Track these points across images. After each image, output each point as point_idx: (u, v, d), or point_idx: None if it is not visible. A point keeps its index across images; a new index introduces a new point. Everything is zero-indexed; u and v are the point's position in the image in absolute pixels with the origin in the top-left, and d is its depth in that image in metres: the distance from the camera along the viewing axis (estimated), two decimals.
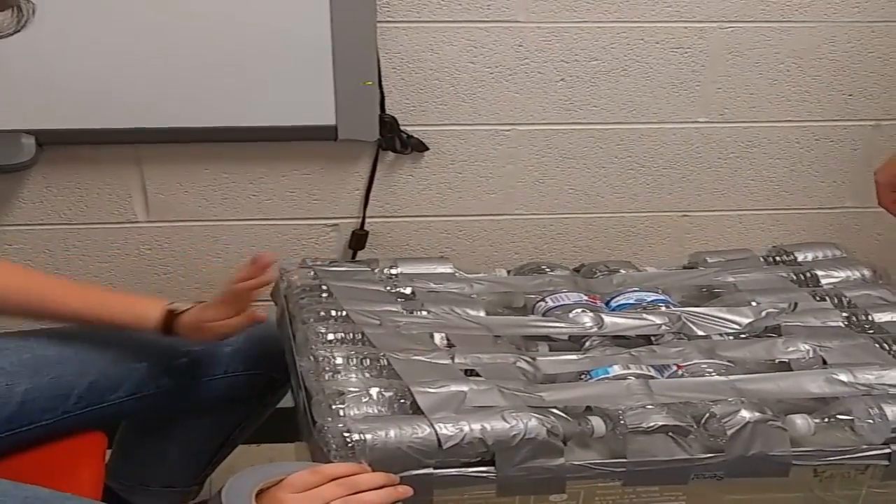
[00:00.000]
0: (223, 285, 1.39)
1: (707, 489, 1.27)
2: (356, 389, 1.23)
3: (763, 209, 2.09)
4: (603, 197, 2.04)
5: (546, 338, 1.47)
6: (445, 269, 1.63)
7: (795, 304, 1.53)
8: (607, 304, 1.56)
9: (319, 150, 1.90)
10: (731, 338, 1.47)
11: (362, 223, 1.99)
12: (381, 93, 1.84)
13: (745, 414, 1.24)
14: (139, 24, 1.69)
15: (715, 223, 2.10)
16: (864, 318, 1.49)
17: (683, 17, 1.87)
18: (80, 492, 1.27)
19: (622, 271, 1.67)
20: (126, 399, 1.45)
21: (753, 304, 1.54)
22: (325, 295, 1.51)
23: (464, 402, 1.22)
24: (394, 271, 1.61)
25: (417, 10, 1.80)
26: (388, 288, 1.54)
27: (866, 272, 1.64)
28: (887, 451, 1.26)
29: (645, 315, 1.49)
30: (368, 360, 1.31)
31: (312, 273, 1.57)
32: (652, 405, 1.25)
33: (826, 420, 1.27)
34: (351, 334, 1.38)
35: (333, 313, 1.44)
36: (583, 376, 1.35)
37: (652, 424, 1.22)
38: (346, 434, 1.14)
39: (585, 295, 1.55)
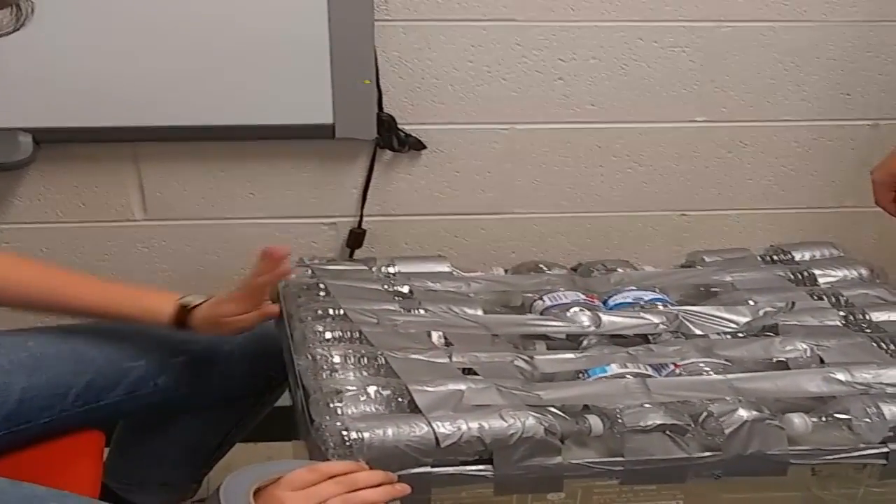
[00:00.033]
0: (239, 280, 1.41)
1: (705, 488, 1.27)
2: (354, 388, 1.23)
3: (761, 208, 2.10)
4: (600, 196, 2.04)
5: (544, 336, 1.47)
6: (443, 267, 1.62)
7: (793, 304, 1.53)
8: (605, 302, 1.56)
9: (317, 148, 1.90)
10: (728, 337, 1.47)
11: (360, 222, 1.99)
12: (379, 91, 1.84)
13: (743, 413, 1.23)
14: (137, 23, 1.69)
15: (712, 222, 2.10)
16: (861, 317, 1.49)
17: (681, 17, 1.87)
18: (77, 490, 1.27)
19: (620, 270, 1.67)
20: (124, 398, 1.45)
21: (751, 303, 1.54)
22: (322, 293, 1.50)
23: (461, 400, 1.22)
24: (391, 270, 1.61)
25: (415, 9, 1.80)
26: (386, 286, 1.54)
27: (864, 271, 1.64)
28: (885, 450, 1.26)
29: (642, 314, 1.49)
30: (366, 359, 1.31)
31: (310, 272, 1.57)
32: (649, 404, 1.25)
33: (824, 419, 1.27)
34: (349, 333, 1.38)
35: (331, 312, 1.44)
36: (580, 375, 1.35)
37: (649, 423, 1.22)
38: (344, 432, 1.14)
39: (583, 294, 1.55)
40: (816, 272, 1.64)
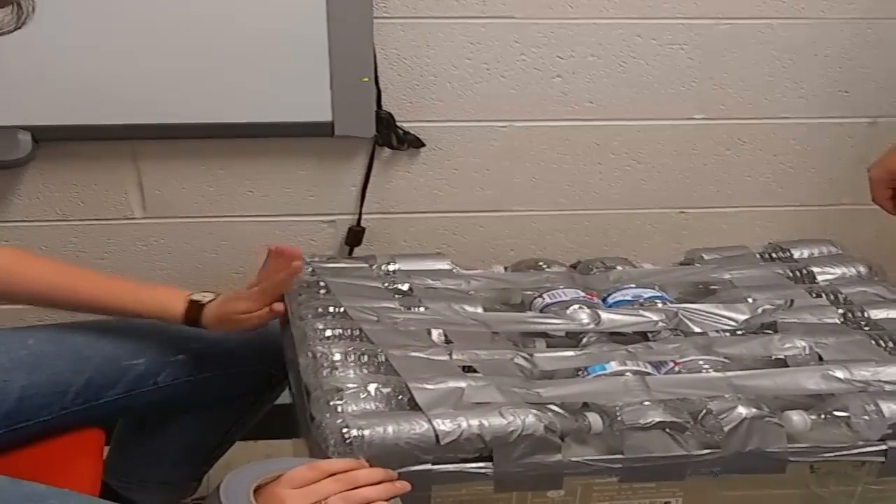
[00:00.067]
0: (248, 279, 1.43)
1: (704, 485, 1.27)
2: (354, 386, 1.23)
3: (759, 206, 2.10)
4: (598, 193, 2.04)
5: (543, 334, 1.47)
6: (443, 265, 1.63)
7: (792, 301, 1.53)
8: (604, 300, 1.56)
9: (316, 146, 1.90)
10: (727, 334, 1.47)
11: (359, 219, 1.99)
12: (378, 89, 1.84)
13: (742, 410, 1.23)
14: (135, 21, 1.69)
15: (711, 220, 2.10)
16: (860, 314, 1.50)
17: (680, 14, 1.87)
18: (77, 488, 1.27)
19: (619, 268, 1.67)
20: (124, 396, 1.46)
21: (750, 300, 1.54)
22: (322, 291, 1.50)
23: (461, 398, 1.22)
24: (391, 268, 1.61)
25: (413, 7, 1.80)
26: (386, 284, 1.54)
27: (862, 269, 1.64)
28: (883, 447, 1.26)
29: (642, 311, 1.49)
30: (366, 357, 1.31)
31: (310, 269, 1.57)
32: (649, 401, 1.25)
33: (822, 416, 1.27)
34: (349, 331, 1.38)
35: (331, 310, 1.44)
36: (580, 372, 1.35)
37: (649, 421, 1.22)
38: (344, 430, 1.14)
39: (582, 291, 1.55)
40: (815, 270, 1.64)
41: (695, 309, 1.51)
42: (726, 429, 1.22)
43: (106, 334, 1.47)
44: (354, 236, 1.99)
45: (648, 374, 1.34)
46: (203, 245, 1.98)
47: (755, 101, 1.97)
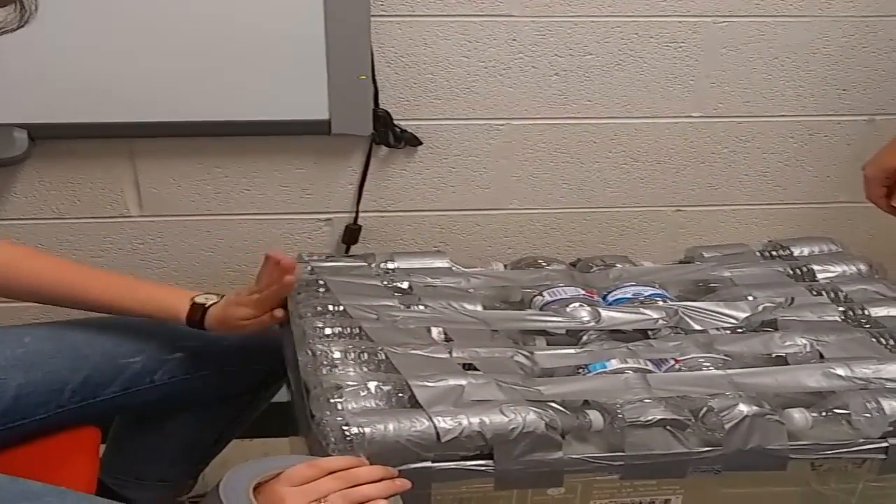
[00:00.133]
0: (251, 286, 1.42)
1: (704, 483, 1.26)
2: (354, 383, 1.23)
3: (757, 204, 2.10)
4: (597, 191, 2.03)
5: (543, 332, 1.47)
6: (442, 263, 1.62)
7: (792, 299, 1.53)
8: (604, 298, 1.56)
9: (313, 144, 1.89)
10: (728, 332, 1.47)
11: (356, 217, 1.98)
12: (375, 87, 1.83)
13: (743, 408, 1.23)
14: (132, 20, 1.68)
15: (709, 218, 2.10)
16: (860, 312, 1.49)
17: (678, 12, 1.87)
18: (74, 486, 1.27)
19: (619, 266, 1.67)
20: (120, 394, 1.45)
21: (750, 298, 1.54)
22: (322, 290, 1.50)
23: (462, 395, 1.22)
24: (390, 266, 1.60)
25: (411, 4, 1.79)
26: (385, 283, 1.54)
27: (862, 267, 1.64)
28: (884, 444, 1.26)
29: (642, 309, 1.49)
30: (366, 355, 1.30)
31: (309, 268, 1.57)
32: (650, 399, 1.25)
33: (823, 414, 1.27)
34: (348, 329, 1.37)
35: (331, 308, 1.43)
36: (580, 370, 1.35)
37: (650, 418, 1.22)
38: (344, 427, 1.14)
39: (582, 289, 1.55)
40: (815, 268, 1.64)
41: (695, 307, 1.51)
42: (727, 426, 1.22)
43: (103, 332, 1.46)
44: (351, 234, 1.99)
45: (649, 371, 1.34)
46: (199, 243, 1.97)
47: (753, 99, 1.97)
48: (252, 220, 1.96)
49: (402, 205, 1.99)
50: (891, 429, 1.26)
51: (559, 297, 1.52)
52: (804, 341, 1.39)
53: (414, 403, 1.21)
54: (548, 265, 1.65)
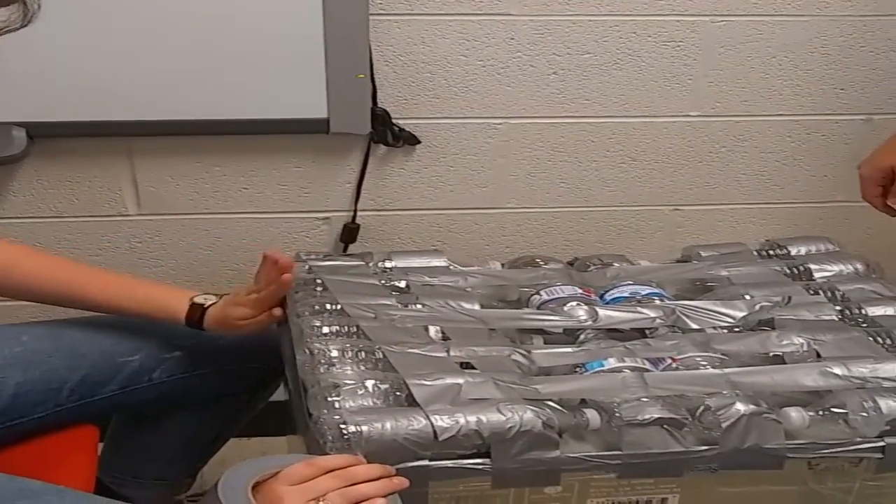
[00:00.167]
0: (249, 286, 1.42)
1: (701, 481, 1.27)
2: (352, 382, 1.23)
3: (754, 203, 2.10)
4: (594, 190, 2.04)
5: (541, 331, 1.47)
6: (440, 262, 1.62)
7: (789, 298, 1.53)
8: (601, 297, 1.56)
9: (311, 143, 1.89)
10: (725, 331, 1.47)
11: (354, 216, 1.98)
12: (374, 86, 1.84)
13: (740, 407, 1.23)
14: (130, 19, 1.68)
15: (706, 217, 2.10)
16: (857, 311, 1.50)
17: (675, 11, 1.87)
18: (72, 484, 1.27)
19: (616, 265, 1.67)
20: (118, 392, 1.45)
21: (747, 297, 1.54)
22: (319, 289, 1.50)
23: (459, 394, 1.22)
24: (388, 265, 1.61)
25: (410, 3, 1.79)
26: (383, 281, 1.54)
27: (859, 266, 1.64)
28: (881, 443, 1.26)
29: (639, 308, 1.49)
30: (364, 353, 1.30)
31: (307, 267, 1.57)
32: (647, 398, 1.25)
33: (820, 413, 1.27)
34: (346, 327, 1.38)
35: (328, 307, 1.43)
36: (578, 369, 1.35)
37: (647, 417, 1.22)
38: (342, 426, 1.14)
39: (580, 288, 1.55)
40: (812, 267, 1.64)
41: (692, 306, 1.51)
42: (724, 425, 1.23)
43: (101, 330, 1.47)
44: (349, 233, 1.99)
45: (646, 370, 1.34)
46: (197, 242, 1.97)
47: (751, 98, 1.97)
48: (250, 218, 1.96)
49: (401, 203, 1.99)
50: (887, 428, 1.26)
51: (556, 296, 1.52)
52: (801, 340, 1.39)
53: (411, 402, 1.21)
54: (545, 264, 1.65)
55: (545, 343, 1.44)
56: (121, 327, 1.48)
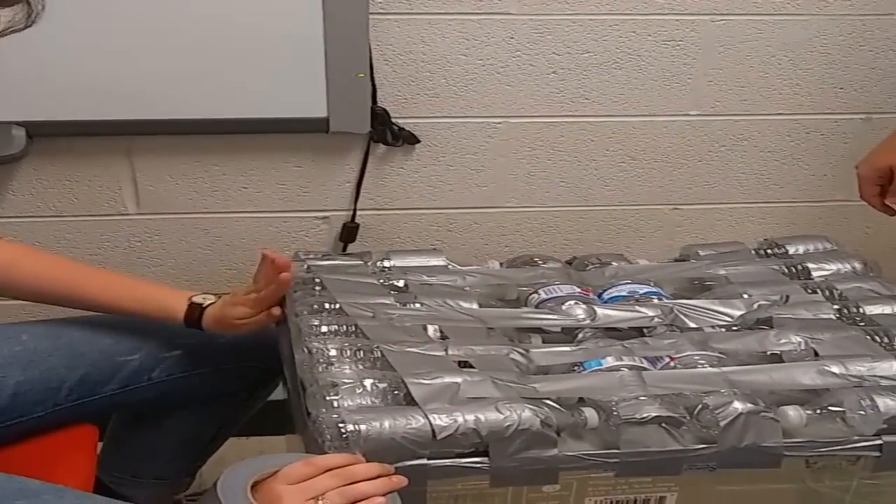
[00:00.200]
0: (248, 286, 1.43)
1: (699, 480, 1.27)
2: (350, 381, 1.23)
3: (753, 202, 2.10)
4: (594, 190, 2.04)
5: (539, 330, 1.47)
6: (438, 261, 1.62)
7: (787, 297, 1.53)
8: (600, 296, 1.56)
9: (311, 142, 1.89)
10: (723, 330, 1.47)
11: (353, 216, 1.98)
12: (373, 85, 1.84)
13: (738, 405, 1.24)
14: (130, 18, 1.68)
15: (705, 216, 2.11)
16: (855, 310, 1.50)
17: (675, 10, 1.87)
18: (71, 484, 1.27)
19: (614, 264, 1.67)
20: (118, 391, 1.45)
21: (745, 296, 1.54)
22: (318, 288, 1.50)
23: (458, 393, 1.22)
24: (387, 264, 1.61)
25: (409, 2, 1.79)
26: (382, 281, 1.54)
27: (857, 265, 1.65)
28: (878, 442, 1.26)
29: (637, 307, 1.49)
30: (362, 352, 1.31)
31: (305, 266, 1.57)
32: (645, 396, 1.25)
33: (818, 411, 1.28)
34: (344, 326, 1.38)
35: (327, 306, 1.43)
36: (576, 368, 1.35)
37: (645, 415, 1.22)
38: (340, 425, 1.14)
39: (578, 287, 1.55)
40: (810, 266, 1.64)
41: (690, 305, 1.51)
42: (722, 424, 1.23)
43: (101, 330, 1.47)
44: (349, 233, 1.99)
45: (644, 369, 1.34)
46: (197, 241, 1.97)
47: (750, 97, 1.97)
48: (249, 217, 1.96)
49: (400, 203, 1.99)
50: (885, 426, 1.26)
51: (555, 294, 1.52)
52: (799, 339, 1.39)
53: (410, 401, 1.21)
54: (544, 263, 1.65)
55: (543, 342, 1.44)
56: (120, 327, 1.48)
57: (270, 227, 1.98)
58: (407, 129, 1.90)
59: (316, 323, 1.38)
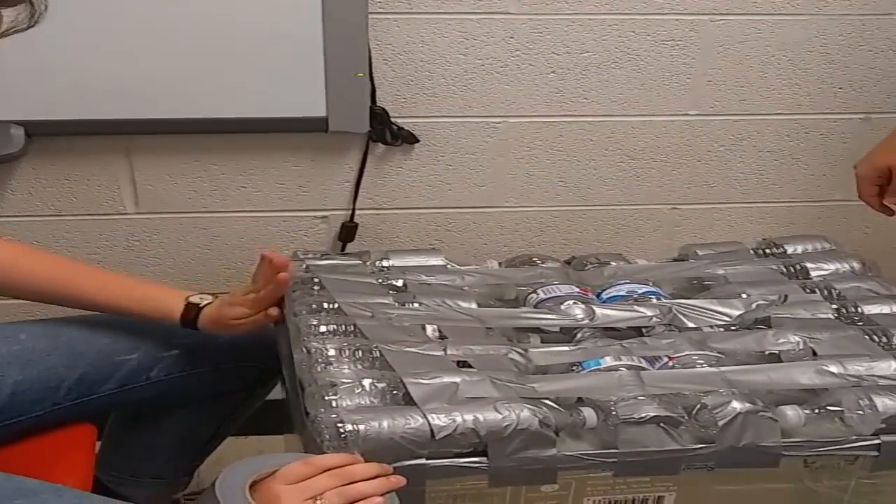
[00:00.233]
0: (247, 286, 1.43)
1: (698, 480, 1.27)
2: (349, 381, 1.23)
3: (752, 202, 2.10)
4: (593, 189, 2.04)
5: (538, 329, 1.47)
6: (437, 261, 1.62)
7: (785, 297, 1.53)
8: (598, 296, 1.56)
9: (310, 141, 1.89)
10: (721, 330, 1.47)
11: (352, 215, 1.98)
12: (372, 84, 1.84)
13: (736, 405, 1.24)
14: (129, 17, 1.68)
15: (704, 216, 2.11)
16: (853, 309, 1.50)
17: (674, 10, 1.87)
18: (69, 483, 1.27)
19: (613, 263, 1.67)
20: (116, 391, 1.45)
21: (744, 296, 1.54)
22: (317, 288, 1.50)
23: (456, 393, 1.22)
24: (385, 263, 1.61)
25: (409, 2, 1.79)
26: (380, 280, 1.54)
27: (856, 264, 1.65)
28: (877, 441, 1.27)
29: (636, 307, 1.49)
30: (361, 352, 1.31)
31: (304, 266, 1.57)
32: (643, 396, 1.25)
33: (816, 411, 1.28)
34: (343, 326, 1.38)
35: (325, 306, 1.44)
36: (574, 367, 1.35)
37: (643, 415, 1.22)
38: (339, 425, 1.14)
39: (577, 287, 1.55)
40: (809, 265, 1.64)
41: (689, 304, 1.51)
42: (720, 423, 1.23)
43: (99, 329, 1.47)
44: (347, 232, 1.99)
45: (643, 368, 1.34)
46: (195, 240, 1.97)
47: (749, 97, 1.97)
48: (248, 217, 1.96)
49: (399, 202, 1.99)
50: (883, 426, 1.26)
51: (553, 294, 1.52)
52: (797, 339, 1.40)
53: (408, 400, 1.21)
54: (542, 263, 1.65)
55: (542, 342, 1.44)
56: (118, 326, 1.48)
57: (269, 227, 1.98)
58: (406, 128, 1.90)
59: (315, 322, 1.38)
